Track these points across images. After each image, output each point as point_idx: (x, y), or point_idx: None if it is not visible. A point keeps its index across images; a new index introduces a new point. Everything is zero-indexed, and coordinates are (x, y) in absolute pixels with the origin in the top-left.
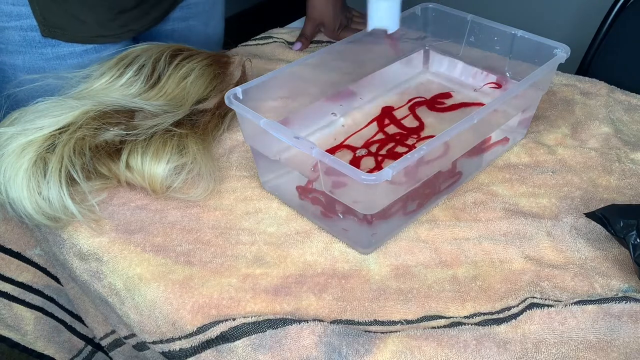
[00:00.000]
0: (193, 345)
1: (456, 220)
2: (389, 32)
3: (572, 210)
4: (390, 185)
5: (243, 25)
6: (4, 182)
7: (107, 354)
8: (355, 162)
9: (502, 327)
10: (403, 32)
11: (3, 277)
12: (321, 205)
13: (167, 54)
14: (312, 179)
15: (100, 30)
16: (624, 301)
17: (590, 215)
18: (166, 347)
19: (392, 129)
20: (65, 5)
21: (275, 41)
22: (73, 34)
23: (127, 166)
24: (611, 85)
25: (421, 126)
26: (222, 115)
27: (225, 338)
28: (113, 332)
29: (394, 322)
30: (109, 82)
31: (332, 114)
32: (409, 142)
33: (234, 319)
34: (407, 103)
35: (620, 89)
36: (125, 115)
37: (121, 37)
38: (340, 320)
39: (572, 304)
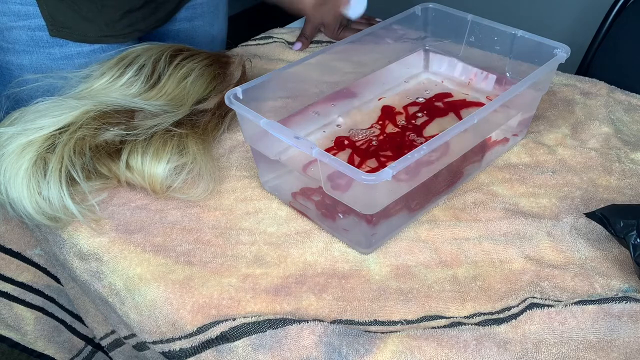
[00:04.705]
0: (193, 345)
1: (456, 220)
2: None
3: (572, 210)
4: (390, 185)
5: (243, 25)
6: (4, 182)
7: (107, 354)
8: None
9: (502, 327)
10: (403, 32)
11: (3, 277)
12: (321, 205)
13: (167, 54)
14: (311, 177)
15: (107, 30)
16: (624, 301)
17: (590, 215)
18: (166, 347)
19: (392, 129)
20: (73, 5)
21: (275, 41)
22: (80, 34)
23: (127, 166)
24: (611, 85)
25: (421, 126)
26: (222, 115)
27: (225, 338)
28: (113, 332)
29: (394, 322)
30: (109, 82)
31: (331, 107)
32: (409, 142)
33: (234, 319)
34: (408, 104)
35: (620, 89)
36: (126, 115)
37: (128, 37)
38: (340, 320)
39: (572, 304)
